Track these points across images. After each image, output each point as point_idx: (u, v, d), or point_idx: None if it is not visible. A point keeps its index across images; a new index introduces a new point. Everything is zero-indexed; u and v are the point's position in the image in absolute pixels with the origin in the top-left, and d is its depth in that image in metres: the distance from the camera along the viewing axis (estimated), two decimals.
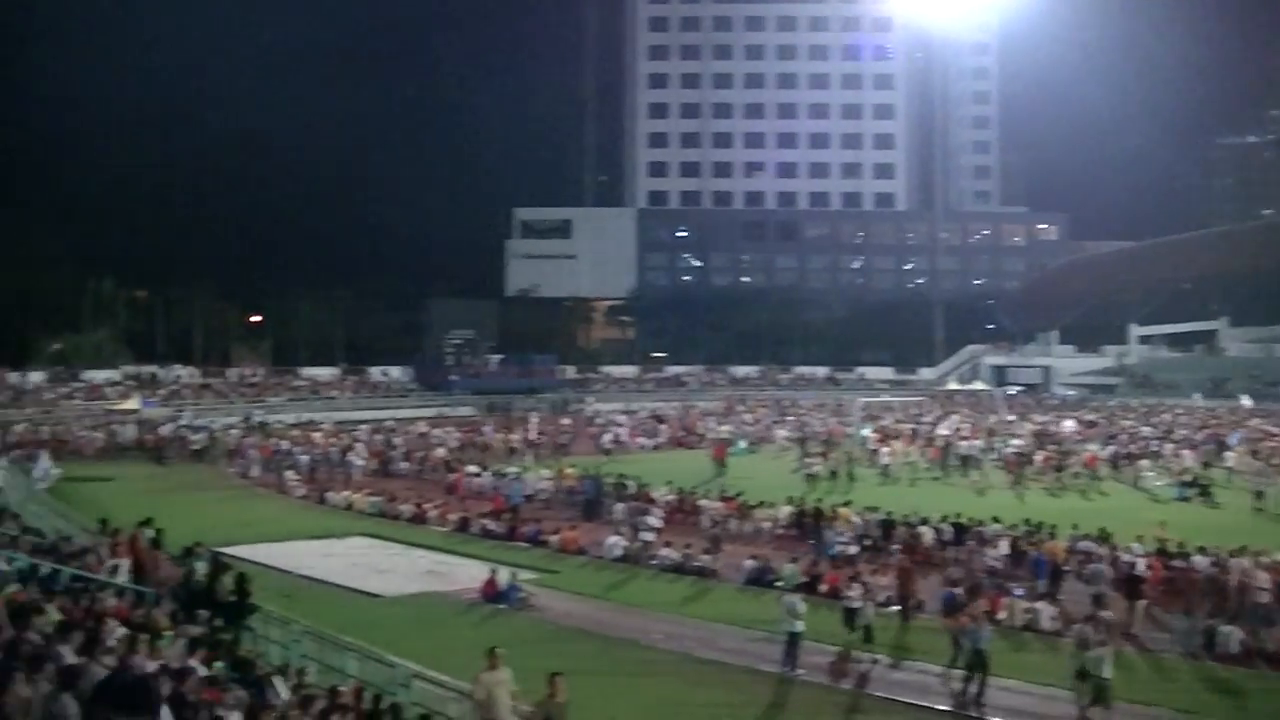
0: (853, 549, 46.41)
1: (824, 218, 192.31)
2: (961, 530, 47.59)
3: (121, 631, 20.14)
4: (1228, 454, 74.00)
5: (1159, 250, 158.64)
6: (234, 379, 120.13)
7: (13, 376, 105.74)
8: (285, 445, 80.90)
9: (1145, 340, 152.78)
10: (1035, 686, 29.76)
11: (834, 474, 68.51)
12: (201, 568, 30.87)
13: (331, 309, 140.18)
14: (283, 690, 20.80)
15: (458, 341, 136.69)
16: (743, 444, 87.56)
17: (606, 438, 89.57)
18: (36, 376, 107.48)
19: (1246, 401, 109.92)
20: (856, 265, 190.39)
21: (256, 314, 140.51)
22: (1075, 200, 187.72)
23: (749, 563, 44.53)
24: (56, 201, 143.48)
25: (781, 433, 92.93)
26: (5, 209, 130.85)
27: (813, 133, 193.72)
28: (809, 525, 51.66)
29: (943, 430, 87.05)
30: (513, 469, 69.03)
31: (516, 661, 31.52)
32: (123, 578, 29.14)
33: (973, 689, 28.90)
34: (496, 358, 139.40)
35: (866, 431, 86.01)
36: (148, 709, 7.10)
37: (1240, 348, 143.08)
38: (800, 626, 31.90)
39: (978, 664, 29.01)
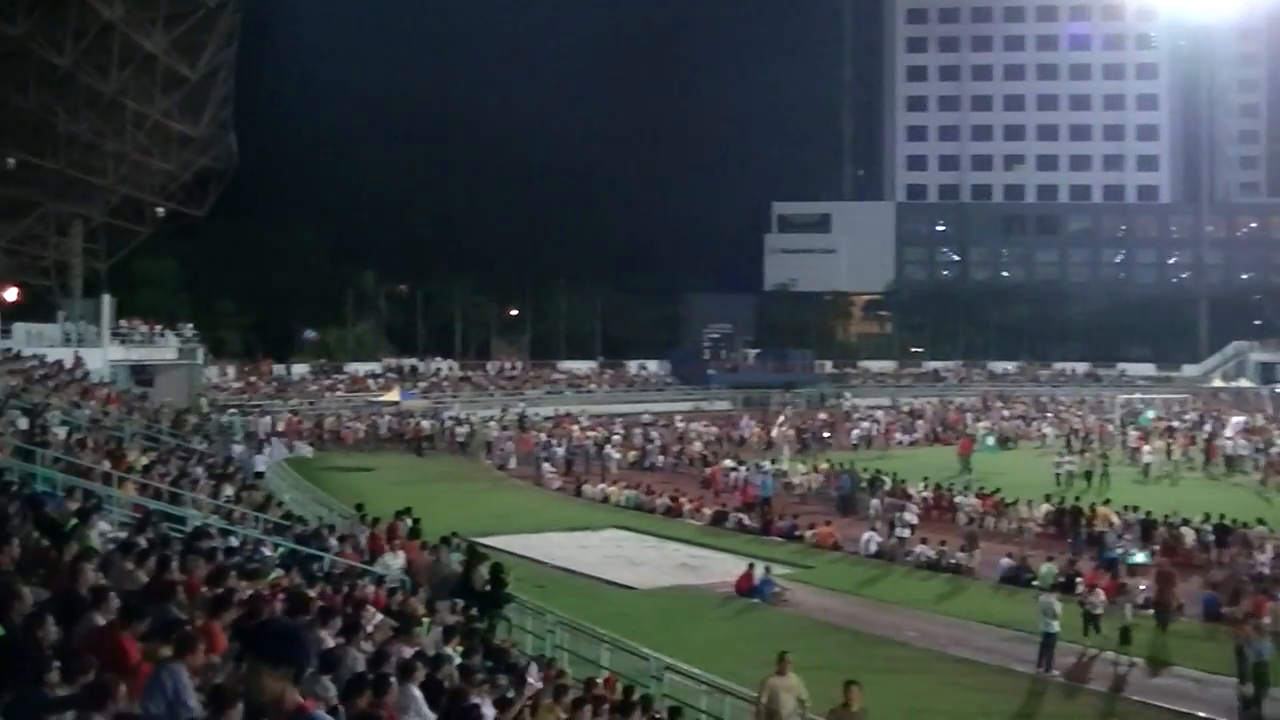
0: (1139, 555, 45.13)
1: (1085, 211, 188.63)
2: (1225, 532, 46.41)
3: (379, 618, 20.51)
4: None
5: None
6: (493, 372, 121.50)
7: (278, 369, 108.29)
8: (542, 438, 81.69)
9: None
10: None
11: (1088, 474, 66.52)
12: (457, 557, 31.28)
13: (589, 303, 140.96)
14: (536, 680, 20.96)
15: (715, 335, 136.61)
16: (990, 440, 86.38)
17: (858, 433, 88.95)
18: (300, 369, 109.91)
19: None
20: (1118, 259, 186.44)
21: (515, 308, 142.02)
22: None
23: (1005, 561, 44.00)
24: (319, 197, 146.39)
25: (1047, 429, 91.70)
26: (270, 205, 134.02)
27: (1074, 124, 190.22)
28: (1067, 524, 50.90)
29: (1212, 429, 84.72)
30: (768, 463, 69.00)
31: (768, 654, 31.57)
32: (396, 569, 29.60)
33: (1251, 700, 28.00)
34: (753, 352, 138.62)
35: (1151, 414, 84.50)
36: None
37: None
38: (1056, 627, 31.41)
39: (1259, 677, 28.06)
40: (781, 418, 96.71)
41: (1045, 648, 31.38)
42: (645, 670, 25.81)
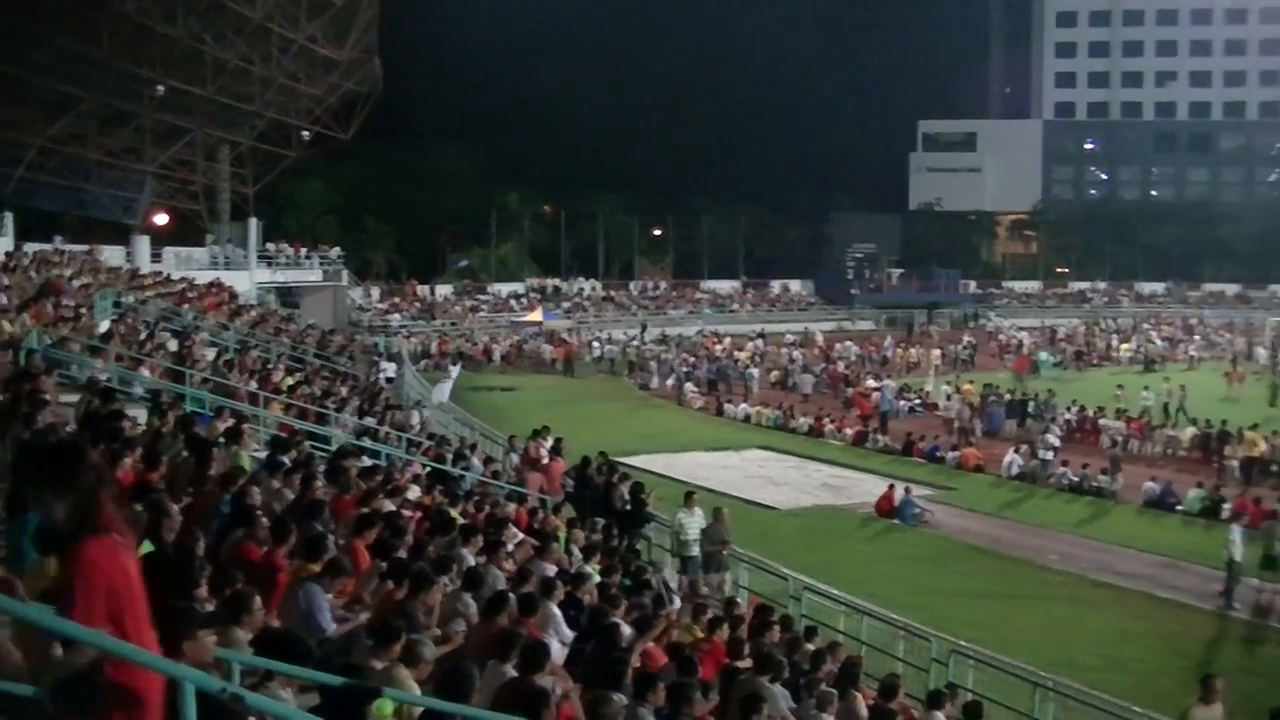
0: None
1: (1240, 128, 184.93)
2: None
3: (520, 536, 20.77)
4: None
5: None
6: (636, 292, 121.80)
7: (423, 290, 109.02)
8: (686, 357, 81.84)
9: None
10: None
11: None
12: (599, 476, 31.49)
13: (733, 222, 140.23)
14: (676, 599, 21.13)
15: (859, 255, 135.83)
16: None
17: (1008, 355, 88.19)
18: (444, 289, 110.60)
19: None
20: (1273, 178, 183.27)
21: (659, 228, 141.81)
22: None
23: (1150, 485, 43.60)
24: (465, 120, 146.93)
25: (1193, 351, 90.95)
26: (416, 128, 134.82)
27: (1229, 39, 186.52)
28: (1214, 447, 50.34)
29: None
30: (890, 381, 68.93)
31: (910, 575, 31.61)
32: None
33: None
34: (898, 271, 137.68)
35: None
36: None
37: None
38: (1240, 555, 30.89)
39: None
40: (932, 338, 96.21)
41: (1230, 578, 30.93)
42: (784, 590, 25.94)
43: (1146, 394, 62.01)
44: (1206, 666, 25.37)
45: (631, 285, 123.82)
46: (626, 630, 15.63)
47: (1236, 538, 30.90)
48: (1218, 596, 30.74)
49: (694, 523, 27.49)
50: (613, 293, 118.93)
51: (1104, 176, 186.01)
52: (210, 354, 34.69)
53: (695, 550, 27.23)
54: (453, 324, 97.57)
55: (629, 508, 29.23)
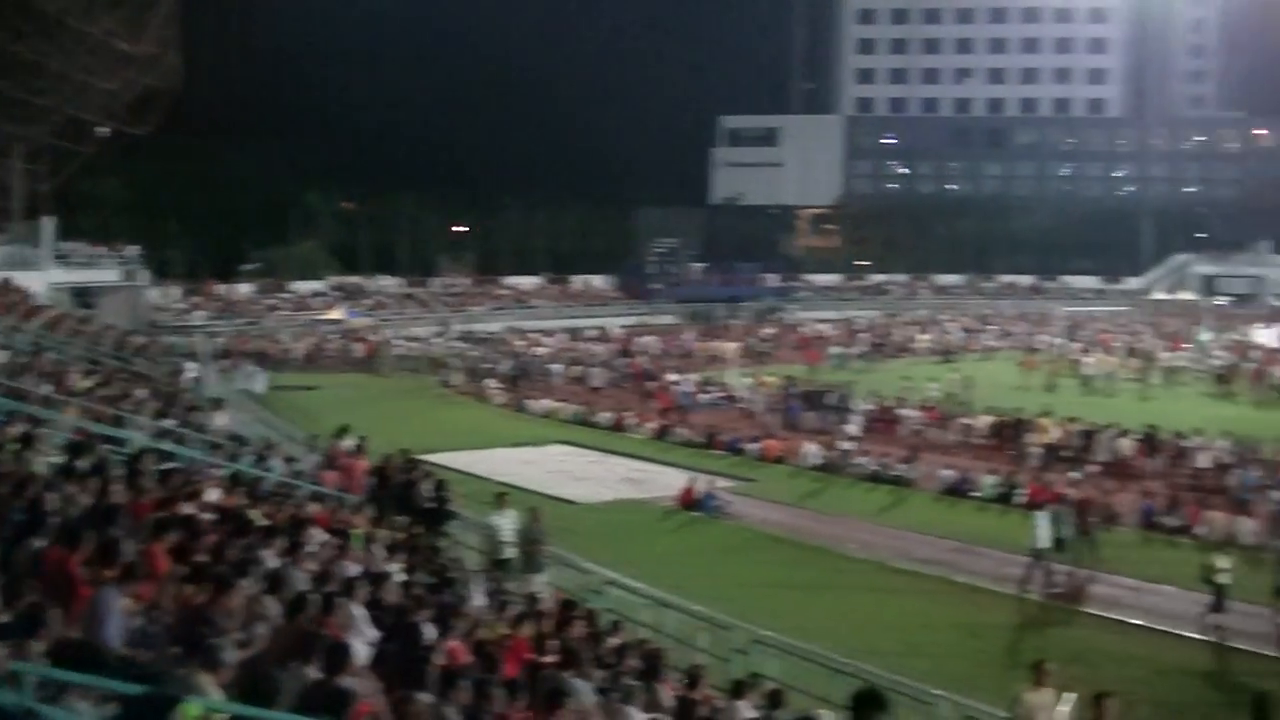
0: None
1: (1033, 124, 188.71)
2: (1161, 442, 47.08)
3: (323, 537, 20.68)
4: None
5: None
6: (437, 289, 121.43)
7: (221, 288, 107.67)
8: (489, 354, 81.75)
9: None
10: (1233, 603, 29.17)
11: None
12: (400, 474, 31.38)
13: (535, 218, 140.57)
14: (479, 596, 21.17)
15: (661, 250, 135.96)
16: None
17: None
18: (244, 288, 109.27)
19: None
20: (1065, 172, 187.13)
21: (461, 224, 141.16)
22: None
23: (946, 472, 44.47)
24: (265, 116, 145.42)
25: (991, 342, 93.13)
26: (216, 124, 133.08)
27: (1024, 37, 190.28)
28: (1008, 434, 51.46)
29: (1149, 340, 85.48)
30: (694, 376, 69.59)
31: (712, 567, 31.95)
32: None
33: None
34: (700, 266, 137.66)
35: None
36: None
37: None
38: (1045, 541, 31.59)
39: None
40: (732, 332, 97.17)
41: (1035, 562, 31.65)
42: (588, 585, 26.08)
43: (932, 385, 63.18)
44: (1006, 649, 26.17)
45: (433, 282, 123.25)
46: (430, 629, 15.68)
47: (1043, 523, 31.63)
48: (1022, 581, 31.45)
49: (507, 524, 27.44)
50: (415, 290, 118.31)
51: (903, 171, 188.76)
52: (2, 358, 34.02)
53: (509, 552, 27.21)
54: (252, 323, 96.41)
55: (432, 505, 29.20)
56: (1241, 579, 28.61)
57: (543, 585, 26.33)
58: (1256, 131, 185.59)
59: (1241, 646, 27.07)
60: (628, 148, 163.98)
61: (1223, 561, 27.96)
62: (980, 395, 60.83)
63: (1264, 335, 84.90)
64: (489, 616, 18.98)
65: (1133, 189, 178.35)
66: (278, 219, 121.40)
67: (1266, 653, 26.53)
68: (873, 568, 33.35)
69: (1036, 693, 16.88)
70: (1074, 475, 41.01)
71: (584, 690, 15.06)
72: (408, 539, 24.47)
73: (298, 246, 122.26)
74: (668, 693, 16.92)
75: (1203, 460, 44.25)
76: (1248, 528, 35.66)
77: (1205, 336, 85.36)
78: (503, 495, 28.99)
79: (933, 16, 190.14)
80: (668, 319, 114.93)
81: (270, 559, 16.90)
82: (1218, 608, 27.73)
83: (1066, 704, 17.61)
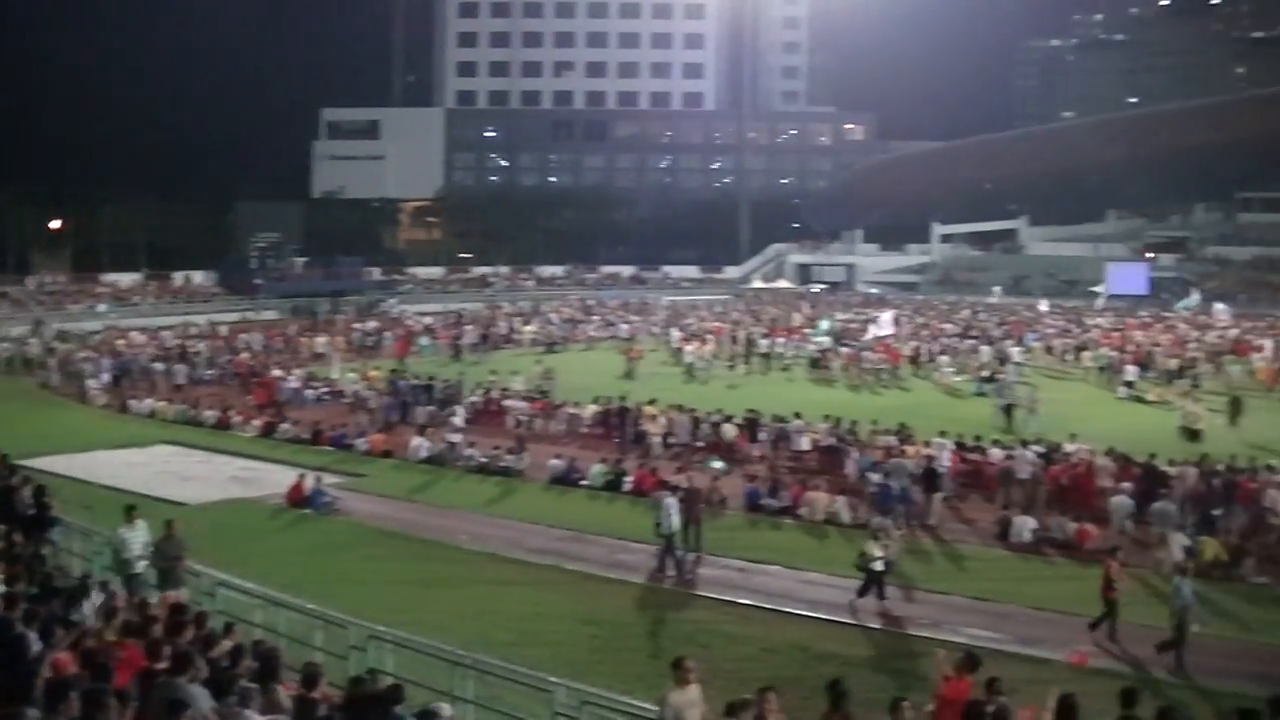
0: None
1: (632, 117, 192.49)
2: (761, 426, 48.43)
3: None
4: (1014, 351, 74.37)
5: (962, 151, 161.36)
6: (32, 286, 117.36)
7: None
8: (87, 354, 79.49)
9: (947, 239, 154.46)
10: (835, 578, 30.32)
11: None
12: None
13: (135, 213, 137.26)
14: (90, 606, 20.65)
15: (263, 244, 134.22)
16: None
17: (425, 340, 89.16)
18: None
19: (1044, 306, 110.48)
20: (664, 165, 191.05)
21: (57, 219, 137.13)
22: (882, 101, 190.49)
23: (554, 462, 44.99)
24: None
25: (594, 332, 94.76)
26: None
27: (623, 32, 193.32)
28: (614, 423, 52.26)
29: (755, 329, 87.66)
30: (298, 371, 69.25)
31: (325, 564, 31.79)
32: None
33: None
34: (302, 260, 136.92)
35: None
36: None
37: (1038, 246, 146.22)
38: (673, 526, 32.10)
39: None
40: (337, 326, 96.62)
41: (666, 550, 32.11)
42: (198, 587, 25.65)
43: (516, 376, 63.77)
44: (620, 634, 26.61)
45: (28, 280, 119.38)
46: (35, 641, 15.27)
47: (671, 510, 32.16)
48: (656, 569, 32.04)
49: (137, 538, 26.65)
50: (8, 288, 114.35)
51: (504, 163, 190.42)
52: None
53: (140, 567, 26.44)
54: None
55: (33, 512, 28.36)
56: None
57: (183, 598, 25.83)
58: (847, 126, 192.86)
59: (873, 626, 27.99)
60: (229, 140, 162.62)
61: (876, 549, 28.81)
62: (573, 385, 62.17)
63: (881, 322, 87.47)
64: (97, 625, 18.53)
65: (730, 181, 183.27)
66: None
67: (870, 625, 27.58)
68: (486, 559, 33.45)
69: (682, 691, 17.14)
70: (717, 466, 42.34)
71: (200, 696, 14.84)
72: (7, 548, 23.73)
73: None
74: (286, 693, 16.77)
75: (804, 443, 45.63)
76: (846, 509, 36.90)
77: (825, 324, 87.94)
78: (132, 508, 28.04)
79: (533, 10, 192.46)
80: (271, 314, 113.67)
81: None
82: (866, 592, 28.60)
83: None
